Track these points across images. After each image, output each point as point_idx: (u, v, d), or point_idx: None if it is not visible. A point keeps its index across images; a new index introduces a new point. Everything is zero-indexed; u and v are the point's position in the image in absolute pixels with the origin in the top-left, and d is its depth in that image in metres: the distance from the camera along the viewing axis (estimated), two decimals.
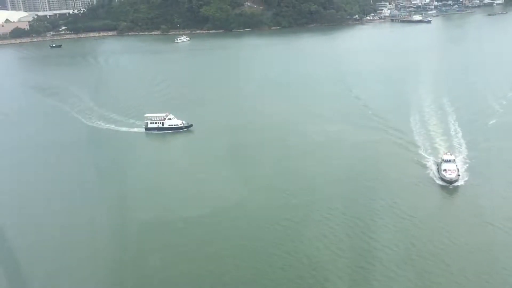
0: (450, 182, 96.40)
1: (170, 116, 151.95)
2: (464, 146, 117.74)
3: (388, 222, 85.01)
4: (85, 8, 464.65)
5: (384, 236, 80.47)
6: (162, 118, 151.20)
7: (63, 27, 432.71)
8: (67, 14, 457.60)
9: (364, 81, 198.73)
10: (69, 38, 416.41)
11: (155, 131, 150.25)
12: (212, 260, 77.36)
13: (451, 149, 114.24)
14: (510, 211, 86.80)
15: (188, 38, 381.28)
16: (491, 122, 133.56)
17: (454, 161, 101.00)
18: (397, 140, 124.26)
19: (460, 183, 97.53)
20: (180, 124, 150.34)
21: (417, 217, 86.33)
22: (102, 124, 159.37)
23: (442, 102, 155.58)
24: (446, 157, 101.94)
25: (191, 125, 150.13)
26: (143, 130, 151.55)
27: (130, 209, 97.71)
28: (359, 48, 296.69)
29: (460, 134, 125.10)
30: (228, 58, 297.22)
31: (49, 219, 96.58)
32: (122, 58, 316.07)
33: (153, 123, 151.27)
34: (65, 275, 77.26)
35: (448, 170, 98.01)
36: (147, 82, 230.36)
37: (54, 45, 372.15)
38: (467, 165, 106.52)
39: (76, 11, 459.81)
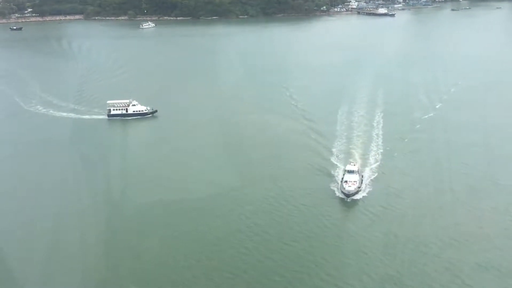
0: (348, 195, 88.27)
1: (134, 102, 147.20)
2: (381, 152, 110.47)
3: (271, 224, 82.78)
4: None
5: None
6: (126, 104, 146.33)
7: (29, 10, 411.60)
8: None
9: (308, 74, 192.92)
10: (34, 21, 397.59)
11: (119, 118, 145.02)
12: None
13: (364, 157, 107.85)
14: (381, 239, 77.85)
15: (153, 24, 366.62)
16: (417, 127, 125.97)
17: (357, 172, 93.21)
18: (315, 144, 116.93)
19: (359, 196, 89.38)
20: (145, 110, 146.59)
21: (290, 225, 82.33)
22: (59, 112, 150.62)
23: (376, 101, 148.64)
24: (349, 167, 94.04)
25: (156, 111, 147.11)
26: (106, 117, 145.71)
27: (104, 195, 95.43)
28: (318, 40, 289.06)
29: (381, 140, 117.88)
30: (190, 46, 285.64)
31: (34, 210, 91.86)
32: (83, 42, 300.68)
33: (116, 109, 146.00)
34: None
35: (349, 181, 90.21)
36: (108, 68, 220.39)
37: (14, 27, 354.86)
38: (376, 174, 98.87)
39: None
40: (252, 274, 70.72)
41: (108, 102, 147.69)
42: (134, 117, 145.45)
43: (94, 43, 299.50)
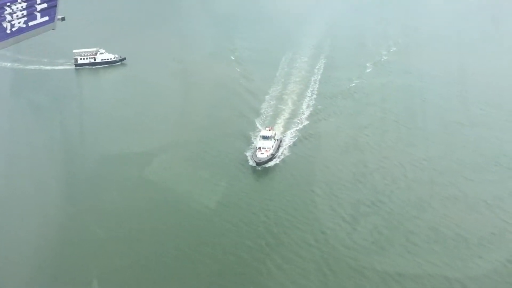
0: (258, 163, 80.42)
1: (102, 50, 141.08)
2: (310, 113, 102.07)
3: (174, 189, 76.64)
4: None
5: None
6: (93, 53, 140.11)
7: None
8: None
9: (263, 22, 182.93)
10: None
11: (87, 67, 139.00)
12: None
13: (291, 118, 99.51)
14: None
15: None
16: (352, 84, 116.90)
17: (272, 137, 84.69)
18: (244, 103, 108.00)
19: (272, 163, 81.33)
20: (113, 58, 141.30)
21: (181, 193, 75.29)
22: (20, 65, 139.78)
23: (320, 53, 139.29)
24: (263, 133, 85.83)
25: (124, 59, 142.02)
26: (73, 67, 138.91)
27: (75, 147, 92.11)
28: None
29: (314, 99, 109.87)
30: None
31: None
32: None
33: (83, 58, 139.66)
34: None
35: (262, 148, 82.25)
36: (70, 16, 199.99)
37: None
38: (298, 138, 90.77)
39: None
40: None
41: (74, 51, 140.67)
42: (102, 66, 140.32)
43: None
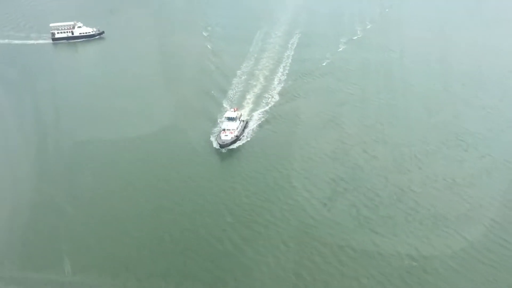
0: (222, 145, 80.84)
1: (79, 24, 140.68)
2: (279, 91, 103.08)
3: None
4: None
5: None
6: (71, 27, 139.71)
7: None
8: None
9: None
10: None
11: (64, 41, 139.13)
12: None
13: (260, 96, 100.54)
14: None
15: None
16: (327, 61, 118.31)
17: (237, 118, 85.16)
18: (211, 82, 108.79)
19: (237, 145, 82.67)
20: (92, 32, 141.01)
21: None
22: None
23: (293, 30, 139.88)
24: (228, 114, 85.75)
25: (103, 32, 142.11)
26: (50, 41, 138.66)
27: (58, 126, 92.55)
28: None
29: (285, 76, 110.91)
30: None
31: None
32: None
33: (61, 32, 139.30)
34: None
35: (227, 130, 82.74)
36: None
37: None
38: (265, 118, 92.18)
39: None
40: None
41: (51, 25, 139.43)
42: (81, 40, 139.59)
43: None
